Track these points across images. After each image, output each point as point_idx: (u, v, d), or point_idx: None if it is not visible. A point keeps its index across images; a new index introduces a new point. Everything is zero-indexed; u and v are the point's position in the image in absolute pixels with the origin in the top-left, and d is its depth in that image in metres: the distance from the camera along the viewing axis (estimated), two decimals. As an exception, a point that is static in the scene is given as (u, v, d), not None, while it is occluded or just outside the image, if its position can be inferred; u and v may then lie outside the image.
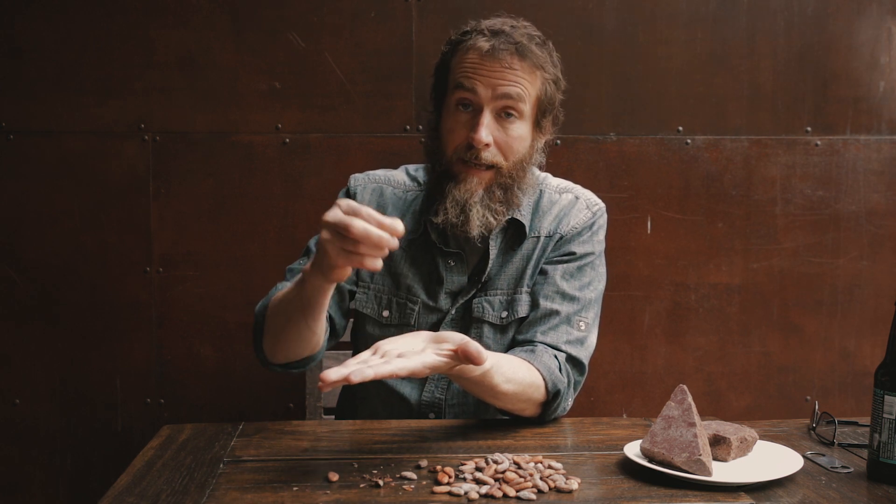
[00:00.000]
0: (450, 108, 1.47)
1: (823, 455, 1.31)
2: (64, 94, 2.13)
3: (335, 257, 1.13)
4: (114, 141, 2.15)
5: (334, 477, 1.14)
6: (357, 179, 1.63)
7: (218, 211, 2.18)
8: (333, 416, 1.82)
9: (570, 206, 1.57)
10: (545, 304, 1.49)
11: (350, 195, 1.60)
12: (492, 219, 1.46)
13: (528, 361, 1.38)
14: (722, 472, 1.15)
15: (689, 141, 2.24)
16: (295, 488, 1.10)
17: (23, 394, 2.19)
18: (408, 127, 2.18)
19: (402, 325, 1.56)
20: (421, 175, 1.62)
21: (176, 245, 2.18)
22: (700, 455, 1.12)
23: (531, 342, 1.47)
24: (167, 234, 2.17)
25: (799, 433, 1.44)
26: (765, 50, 2.24)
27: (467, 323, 1.56)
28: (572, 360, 1.46)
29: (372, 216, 1.11)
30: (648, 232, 2.26)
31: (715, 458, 1.20)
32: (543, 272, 1.53)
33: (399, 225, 1.11)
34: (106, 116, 2.14)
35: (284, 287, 1.41)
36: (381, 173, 1.64)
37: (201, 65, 2.14)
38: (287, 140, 2.17)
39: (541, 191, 1.59)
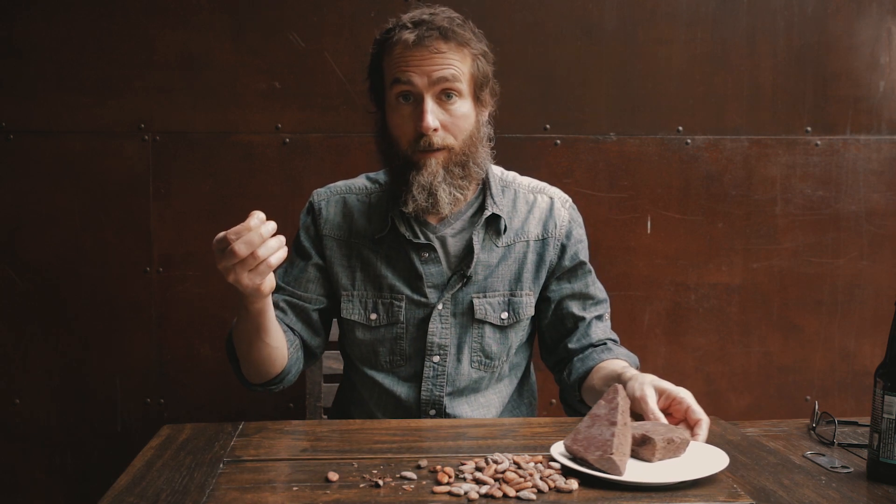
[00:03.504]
0: (391, 105, 1.50)
1: (823, 455, 1.31)
2: (64, 94, 2.13)
3: (235, 281, 1.25)
4: (114, 141, 2.15)
5: (334, 477, 1.13)
6: (319, 195, 1.66)
7: (218, 211, 2.18)
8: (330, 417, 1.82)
9: (549, 208, 1.64)
10: (591, 314, 1.62)
11: (315, 212, 1.63)
12: (458, 195, 1.52)
13: (619, 358, 1.55)
14: (638, 472, 1.13)
15: (689, 141, 2.24)
16: (295, 488, 1.10)
17: (23, 394, 2.19)
18: (408, 127, 2.18)
19: (391, 325, 1.58)
20: (380, 176, 1.65)
21: (176, 245, 2.18)
22: (612, 454, 1.10)
23: (602, 342, 1.60)
24: (167, 234, 2.17)
25: (799, 433, 1.44)
26: (765, 50, 2.24)
27: (467, 321, 1.58)
28: (614, 341, 1.64)
29: (254, 230, 1.21)
30: (648, 232, 2.26)
31: (640, 459, 1.18)
32: (580, 293, 1.62)
33: (266, 226, 1.23)
34: (106, 116, 2.14)
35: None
36: (341, 184, 1.67)
37: (201, 65, 2.14)
38: (287, 140, 2.17)
39: (514, 191, 1.64)
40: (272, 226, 1.23)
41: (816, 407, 1.48)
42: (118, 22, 2.12)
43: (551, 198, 1.65)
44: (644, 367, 2.26)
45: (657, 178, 2.25)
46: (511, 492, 1.07)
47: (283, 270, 1.63)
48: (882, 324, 2.30)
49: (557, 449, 1.20)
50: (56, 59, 2.12)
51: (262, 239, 1.22)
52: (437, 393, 1.58)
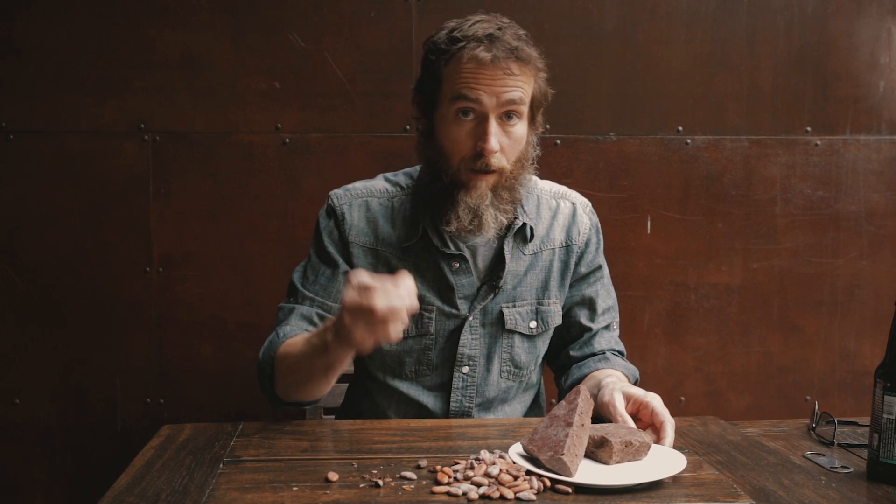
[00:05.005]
0: (448, 117, 1.45)
1: (823, 455, 1.31)
2: (64, 94, 2.13)
3: (363, 340, 1.20)
4: (114, 141, 2.15)
5: (334, 477, 1.14)
6: (339, 197, 1.58)
7: (218, 211, 2.18)
8: (334, 417, 1.80)
9: (572, 214, 1.63)
10: (598, 324, 1.63)
11: (337, 217, 1.56)
12: (503, 219, 1.49)
13: (616, 368, 1.56)
14: (591, 474, 1.13)
15: (688, 141, 2.24)
16: (295, 488, 1.10)
17: (23, 394, 2.19)
18: (408, 127, 2.18)
19: (419, 336, 1.55)
20: (402, 180, 1.60)
21: (176, 245, 2.18)
22: (562, 454, 1.10)
23: (602, 352, 1.61)
24: (167, 234, 2.17)
25: (799, 433, 1.44)
26: (765, 50, 2.24)
27: (496, 331, 1.56)
28: (620, 353, 1.65)
29: (387, 287, 1.17)
30: (648, 232, 2.26)
31: (597, 460, 1.18)
32: (591, 299, 1.63)
33: (411, 283, 1.20)
34: (106, 116, 2.14)
35: (290, 339, 1.45)
36: (360, 186, 1.60)
37: (201, 65, 2.14)
38: (287, 140, 2.17)
39: (537, 196, 1.61)
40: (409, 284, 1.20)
41: (816, 407, 1.48)
42: (118, 22, 2.12)
43: (573, 203, 1.64)
44: (644, 367, 2.28)
45: (657, 178, 2.25)
46: (509, 493, 1.07)
47: (307, 279, 1.57)
48: (882, 324, 2.30)
49: (516, 449, 1.20)
50: (56, 59, 2.12)
51: (400, 312, 1.18)
52: (467, 404, 1.57)
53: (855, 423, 1.49)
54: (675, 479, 1.15)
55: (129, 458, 1.26)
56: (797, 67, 2.25)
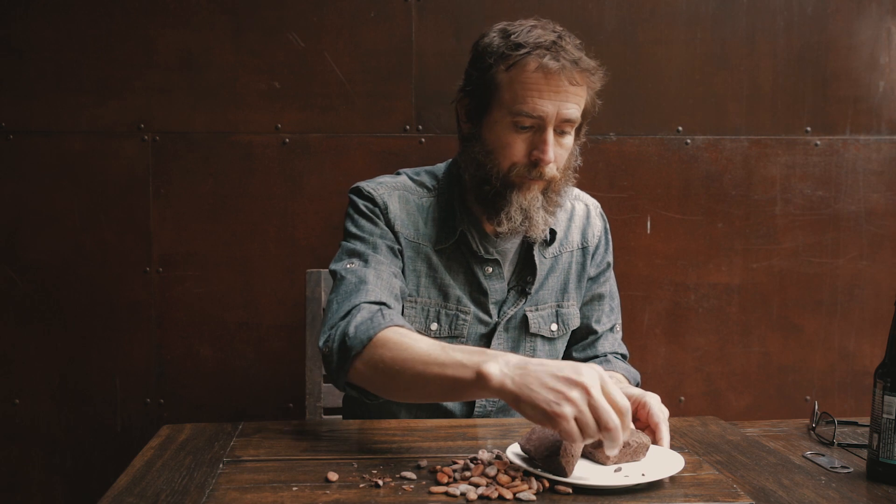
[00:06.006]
0: (504, 124, 1.42)
1: (823, 455, 1.31)
2: (64, 94, 2.13)
3: (572, 438, 1.05)
4: (113, 141, 2.15)
5: (334, 477, 1.13)
6: (375, 188, 1.52)
7: (218, 211, 2.18)
8: (341, 417, 1.77)
9: (586, 216, 1.65)
10: (603, 326, 1.64)
11: (379, 205, 1.50)
12: (550, 220, 1.50)
13: (616, 371, 1.57)
14: (588, 474, 1.13)
15: (688, 141, 2.24)
16: (295, 488, 1.10)
17: (23, 394, 2.19)
18: (407, 127, 2.18)
19: (451, 338, 1.53)
20: (426, 180, 1.57)
21: (176, 245, 2.18)
22: (559, 456, 1.10)
23: (604, 355, 1.61)
24: (167, 234, 2.17)
25: (799, 433, 1.44)
26: (765, 50, 2.24)
27: (519, 335, 1.57)
28: (623, 356, 1.66)
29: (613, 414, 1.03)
30: (648, 232, 2.26)
31: (596, 461, 1.18)
32: (601, 297, 1.64)
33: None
34: (106, 116, 2.14)
35: (402, 330, 1.26)
36: (389, 180, 1.56)
37: (201, 65, 2.14)
38: (287, 140, 2.17)
39: None
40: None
41: (816, 407, 1.48)
42: (118, 22, 2.12)
43: (586, 205, 1.67)
44: (644, 367, 2.28)
45: (657, 178, 2.25)
46: (508, 494, 1.07)
47: (378, 252, 1.45)
48: (882, 324, 2.30)
49: (513, 449, 1.20)
50: (56, 59, 2.12)
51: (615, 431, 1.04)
52: (490, 408, 1.57)
53: (855, 423, 1.49)
54: (675, 480, 1.15)
55: (129, 458, 1.26)
56: (797, 67, 2.25)
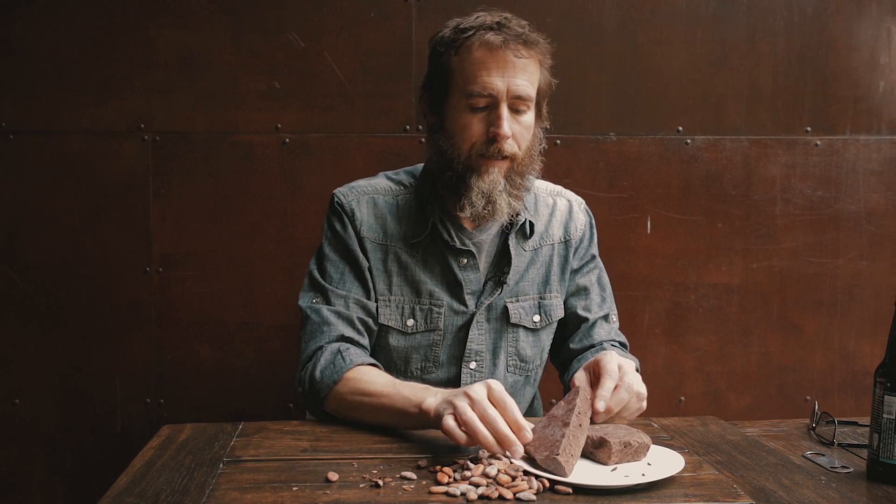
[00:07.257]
0: (460, 106, 1.46)
1: (823, 455, 1.31)
2: (64, 94, 2.13)
3: (458, 440, 1.18)
4: (113, 141, 2.15)
5: (334, 477, 1.13)
6: (346, 195, 1.58)
7: (218, 211, 2.18)
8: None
9: (568, 210, 1.67)
10: (595, 314, 1.64)
11: (346, 213, 1.56)
12: (515, 205, 1.51)
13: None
14: (588, 474, 1.13)
15: (688, 141, 2.24)
16: (295, 488, 1.10)
17: (23, 394, 2.19)
18: (407, 127, 2.18)
19: (428, 331, 1.56)
20: (404, 178, 1.62)
21: (176, 245, 2.18)
22: (557, 454, 1.10)
23: (600, 343, 1.61)
24: (167, 234, 2.17)
25: (799, 433, 1.44)
26: (765, 50, 2.24)
27: (501, 326, 1.59)
28: (622, 344, 1.66)
29: (498, 420, 1.15)
30: (648, 232, 2.26)
31: (596, 461, 1.18)
32: (585, 288, 1.65)
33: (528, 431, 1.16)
34: (106, 116, 2.14)
35: (362, 369, 1.41)
36: (363, 183, 1.61)
37: (201, 65, 2.14)
38: (287, 140, 2.17)
39: (535, 194, 1.65)
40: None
41: (816, 407, 1.48)
42: (118, 22, 2.12)
43: (569, 201, 1.69)
44: (644, 367, 2.27)
45: (657, 178, 2.25)
46: (508, 494, 1.07)
47: (331, 277, 1.54)
48: (882, 324, 2.30)
49: None
50: (56, 59, 2.12)
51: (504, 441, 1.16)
52: None
53: (855, 423, 1.49)
54: (675, 480, 1.15)
55: (129, 458, 1.26)
56: (797, 67, 2.25)
